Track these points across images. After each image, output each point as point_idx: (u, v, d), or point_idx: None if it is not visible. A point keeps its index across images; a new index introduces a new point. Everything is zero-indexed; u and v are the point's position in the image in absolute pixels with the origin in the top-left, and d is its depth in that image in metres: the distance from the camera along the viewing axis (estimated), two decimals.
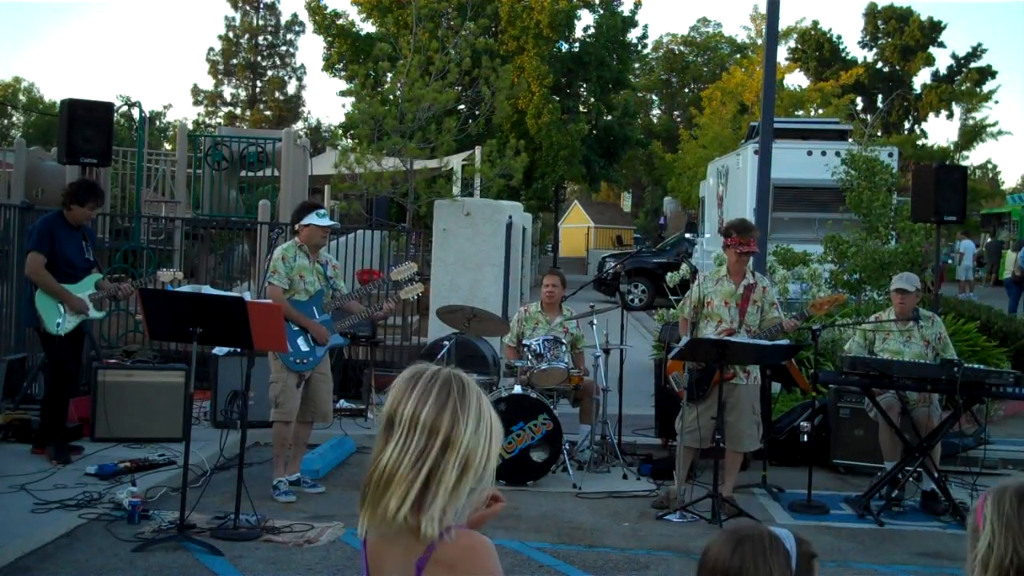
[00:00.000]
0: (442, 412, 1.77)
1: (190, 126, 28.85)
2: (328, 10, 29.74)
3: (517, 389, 7.05)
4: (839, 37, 45.93)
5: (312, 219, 6.56)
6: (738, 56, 45.83)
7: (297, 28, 49.97)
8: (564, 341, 7.50)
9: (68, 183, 7.74)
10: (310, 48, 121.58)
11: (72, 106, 7.95)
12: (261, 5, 49.51)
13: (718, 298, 6.66)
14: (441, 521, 1.74)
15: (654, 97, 55.38)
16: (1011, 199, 34.04)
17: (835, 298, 7.06)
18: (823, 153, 14.81)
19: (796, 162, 14.79)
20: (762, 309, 6.69)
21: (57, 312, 6.68)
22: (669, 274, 11.27)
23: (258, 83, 50.30)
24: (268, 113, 49.12)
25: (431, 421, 1.76)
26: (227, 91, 50.00)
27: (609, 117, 32.57)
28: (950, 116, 41.71)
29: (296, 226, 6.61)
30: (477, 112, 16.19)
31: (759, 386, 6.79)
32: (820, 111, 32.92)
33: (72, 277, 6.77)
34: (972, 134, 39.49)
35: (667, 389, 7.13)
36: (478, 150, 13.77)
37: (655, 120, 53.21)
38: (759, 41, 40.61)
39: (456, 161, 14.23)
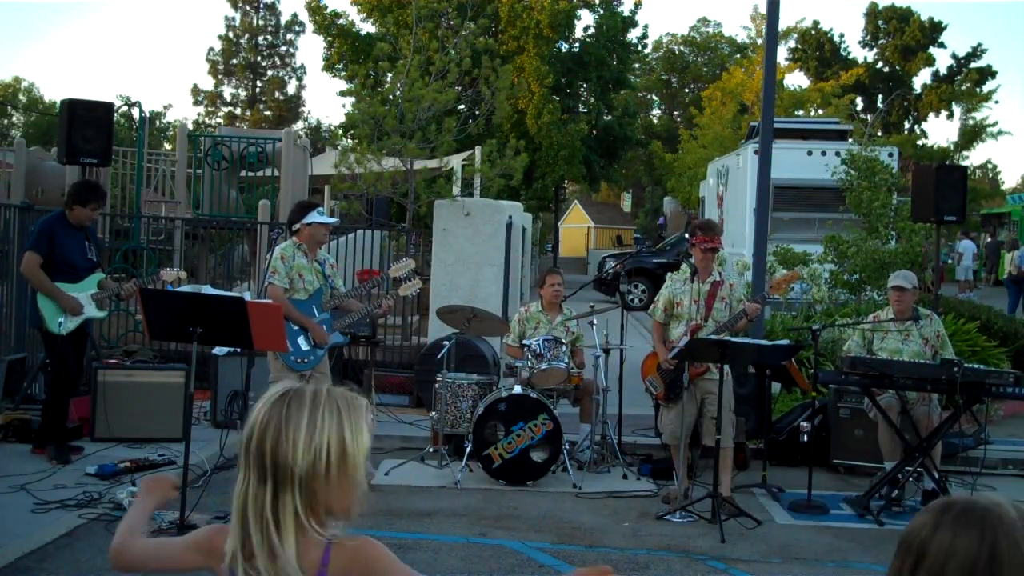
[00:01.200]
0: (264, 435, 1.67)
1: (190, 126, 28.86)
2: (328, 10, 29.75)
3: (517, 389, 7.05)
4: (841, 36, 45.92)
5: (314, 217, 6.59)
6: (738, 56, 45.82)
7: (297, 28, 49.99)
8: (565, 341, 7.50)
9: (70, 184, 7.74)
10: (310, 48, 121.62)
11: (72, 106, 7.95)
12: (261, 5, 49.50)
13: (687, 298, 6.72)
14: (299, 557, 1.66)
15: (654, 97, 55.38)
16: (1011, 199, 34.03)
17: (790, 276, 7.13)
18: (823, 153, 14.83)
19: (796, 162, 14.81)
20: (730, 306, 6.78)
21: (59, 311, 6.68)
22: (669, 274, 11.26)
23: (258, 83, 50.30)
24: (268, 113, 49.11)
25: (257, 448, 1.67)
26: (227, 91, 50.04)
27: (609, 117, 32.56)
28: (950, 116, 41.70)
29: (296, 226, 6.62)
30: (477, 112, 16.18)
31: (731, 381, 6.82)
32: (820, 111, 32.92)
33: (73, 277, 6.77)
34: (972, 134, 39.47)
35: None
36: (478, 150, 13.77)
37: (655, 120, 53.21)
38: (759, 41, 40.61)
39: (456, 161, 14.23)
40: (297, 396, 1.69)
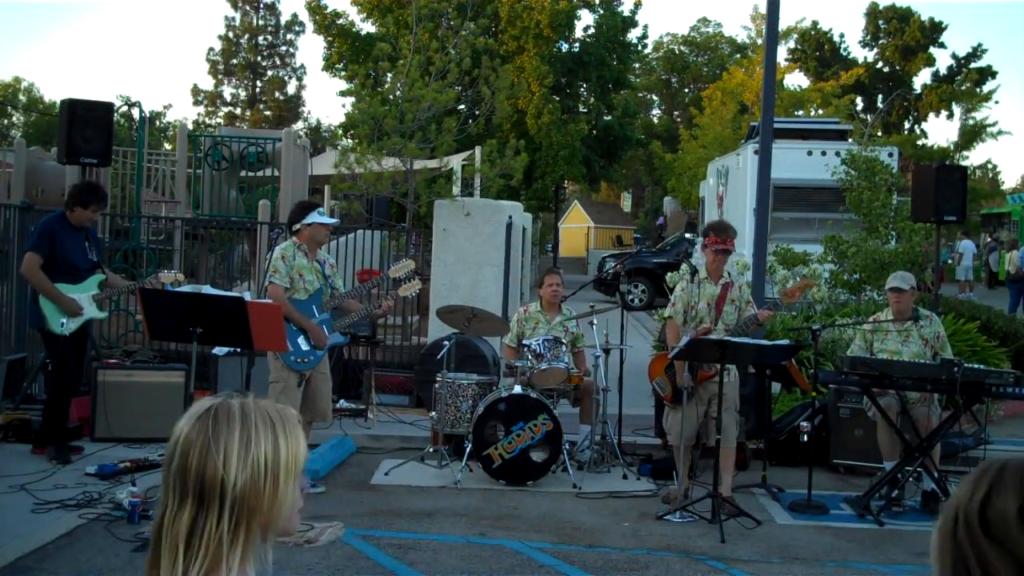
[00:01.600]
0: (188, 452, 1.55)
1: (190, 126, 28.87)
2: (328, 10, 29.76)
3: (517, 389, 7.05)
4: (841, 36, 45.88)
5: (315, 217, 6.60)
6: (738, 56, 45.82)
7: (297, 28, 50.00)
8: (564, 341, 7.50)
9: (72, 184, 7.74)
10: (310, 48, 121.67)
11: (72, 106, 7.95)
12: (261, 5, 49.51)
13: (703, 300, 6.70)
14: None
15: (654, 97, 55.39)
16: (1011, 199, 34.02)
17: (804, 284, 7.12)
18: (823, 153, 14.82)
19: (796, 162, 14.80)
20: (739, 308, 6.76)
21: (61, 312, 6.69)
22: (669, 274, 11.27)
23: (258, 83, 50.30)
24: (268, 113, 49.11)
25: (179, 466, 1.55)
26: (227, 91, 50.04)
27: (609, 117, 32.56)
28: (950, 116, 41.67)
29: (296, 226, 6.63)
30: (477, 112, 16.19)
31: (739, 383, 6.82)
32: (820, 111, 32.91)
33: (74, 278, 6.77)
34: (972, 134, 39.46)
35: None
36: (478, 150, 13.77)
37: (655, 120, 53.21)
38: (759, 41, 40.60)
39: (456, 161, 14.23)
40: (225, 410, 1.59)
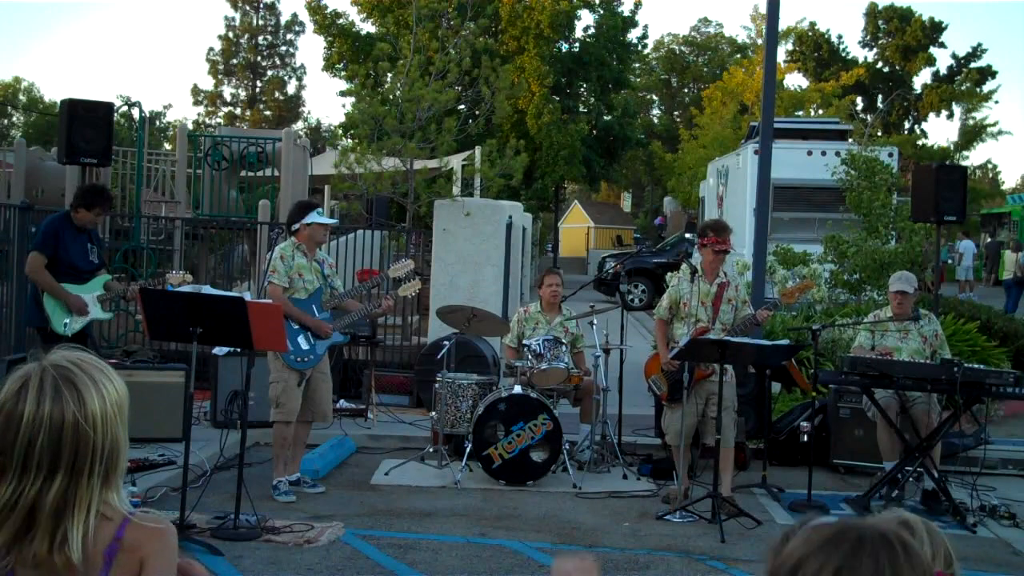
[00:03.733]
0: (63, 429, 1.63)
1: (190, 126, 28.86)
2: (328, 10, 29.76)
3: (517, 389, 7.05)
4: (839, 37, 45.92)
5: (314, 217, 6.61)
6: (738, 56, 45.81)
7: (297, 28, 50.01)
8: (564, 341, 7.50)
9: (79, 186, 7.73)
10: (310, 48, 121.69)
11: (72, 106, 7.95)
12: (261, 5, 49.50)
13: (694, 298, 6.70)
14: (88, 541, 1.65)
15: (654, 97, 55.38)
16: (1011, 199, 34.02)
17: (804, 285, 7.13)
18: (823, 153, 14.83)
19: (796, 162, 14.82)
20: (736, 307, 6.77)
21: (65, 312, 6.69)
22: (669, 274, 11.26)
23: (258, 83, 50.31)
24: (268, 113, 49.12)
25: (49, 446, 1.62)
26: (227, 91, 50.05)
27: (609, 117, 32.56)
28: (950, 116, 41.66)
29: (295, 226, 6.63)
30: (477, 112, 16.19)
31: (735, 383, 6.83)
32: (820, 111, 32.91)
33: (76, 278, 6.77)
34: (972, 134, 39.47)
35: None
36: (478, 150, 13.77)
37: (655, 120, 53.20)
38: (759, 41, 40.59)
39: (456, 161, 14.23)
40: (43, 378, 1.68)
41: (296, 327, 6.45)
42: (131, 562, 1.69)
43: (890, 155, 14.32)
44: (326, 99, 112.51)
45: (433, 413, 7.62)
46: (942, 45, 42.50)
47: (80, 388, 1.66)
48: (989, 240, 30.02)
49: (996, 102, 75.73)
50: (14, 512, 1.62)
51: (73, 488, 1.64)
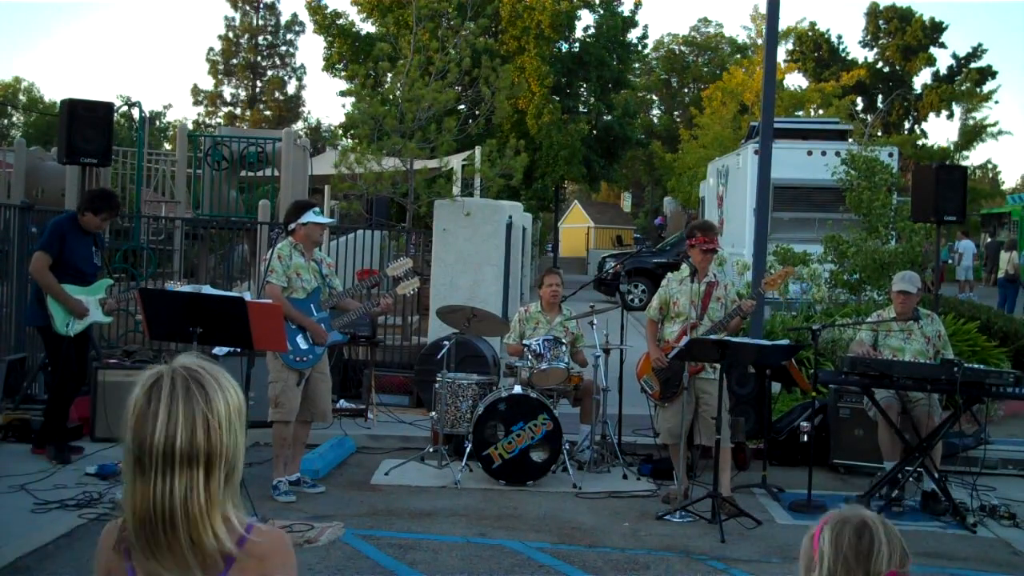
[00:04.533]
0: (195, 427, 1.70)
1: (190, 126, 28.85)
2: (328, 10, 29.76)
3: (517, 389, 7.05)
4: (839, 37, 45.91)
5: (310, 217, 6.61)
6: (738, 56, 45.81)
7: (297, 28, 50.03)
8: (564, 341, 7.50)
9: (88, 190, 7.74)
10: (310, 48, 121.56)
11: (72, 106, 7.95)
12: (261, 5, 49.50)
13: (684, 297, 6.75)
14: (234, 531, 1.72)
15: (654, 97, 55.38)
16: (1011, 199, 34.01)
17: (785, 272, 7.13)
18: (823, 153, 14.83)
19: (796, 162, 14.81)
20: (725, 306, 6.80)
21: (68, 313, 6.70)
22: (669, 274, 11.26)
23: (258, 83, 50.30)
24: (268, 113, 49.12)
25: (186, 450, 1.69)
26: (227, 91, 50.05)
27: (609, 117, 32.56)
28: (950, 116, 41.66)
29: (292, 226, 6.63)
30: (477, 112, 16.19)
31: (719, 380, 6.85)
32: (820, 111, 32.90)
33: (79, 280, 6.78)
34: (972, 134, 39.45)
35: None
36: (478, 150, 13.78)
37: (655, 120, 53.20)
38: (759, 41, 40.59)
39: (456, 161, 14.23)
40: (174, 379, 1.73)
41: (294, 327, 6.45)
42: (252, 571, 1.74)
43: (890, 155, 14.32)
44: (326, 99, 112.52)
45: (433, 413, 7.62)
46: (942, 45, 42.53)
47: (208, 389, 1.72)
48: (989, 240, 30.01)
49: (996, 102, 75.82)
50: (155, 511, 1.69)
51: (208, 486, 1.70)
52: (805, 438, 7.01)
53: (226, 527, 1.71)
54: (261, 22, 49.84)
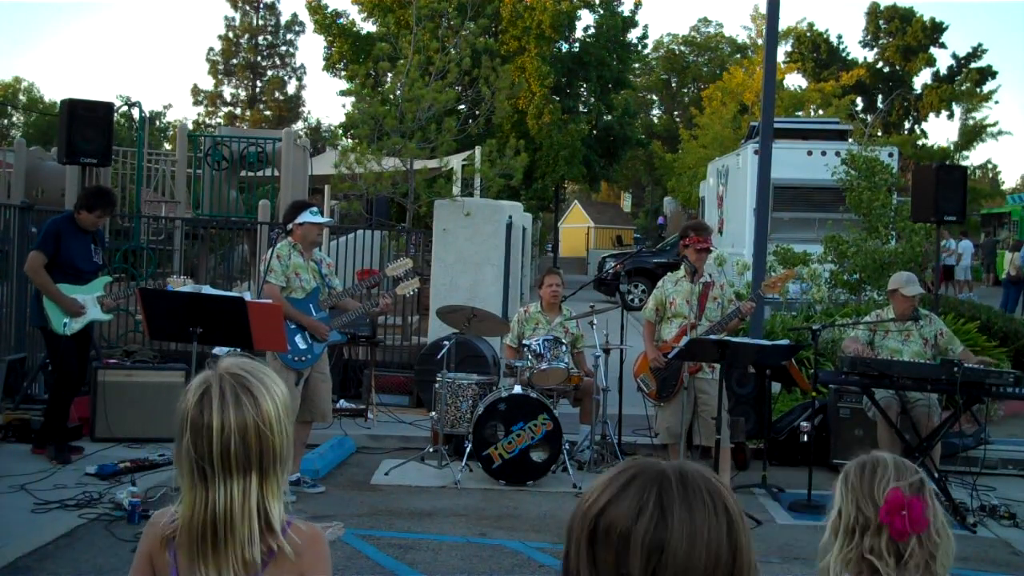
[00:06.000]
0: (247, 433, 1.75)
1: (190, 126, 28.87)
2: (328, 10, 29.75)
3: (517, 389, 7.05)
4: (839, 37, 45.92)
5: (307, 217, 6.61)
6: (738, 56, 45.80)
7: (297, 28, 50.01)
8: (564, 341, 7.51)
9: (84, 187, 7.74)
10: (310, 48, 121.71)
11: (72, 106, 7.95)
12: (261, 5, 49.50)
13: (680, 297, 6.78)
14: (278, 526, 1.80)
15: (654, 97, 55.39)
16: (1011, 199, 34.01)
17: (786, 275, 7.14)
18: (823, 153, 14.83)
19: (796, 162, 14.81)
20: (722, 305, 6.83)
21: (64, 312, 6.70)
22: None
23: (258, 83, 50.29)
24: (268, 113, 49.11)
25: (243, 456, 1.75)
26: (227, 91, 50.03)
27: (609, 117, 32.56)
28: (950, 116, 41.64)
29: (290, 225, 6.64)
30: (477, 112, 16.19)
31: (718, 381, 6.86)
32: (820, 111, 32.90)
33: (77, 279, 6.78)
34: (972, 134, 39.43)
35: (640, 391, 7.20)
36: (478, 150, 13.78)
37: (655, 120, 53.20)
38: (759, 41, 40.58)
39: (456, 161, 14.24)
40: (222, 386, 1.78)
41: (293, 326, 6.45)
42: (290, 568, 1.81)
43: (890, 155, 14.32)
44: (326, 99, 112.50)
45: (433, 413, 7.62)
46: (942, 45, 42.52)
47: (255, 393, 1.78)
48: (984, 239, 30.01)
49: (996, 102, 75.78)
50: (216, 517, 1.75)
51: (263, 487, 1.77)
52: (805, 438, 7.02)
53: (272, 525, 1.78)
54: (261, 22, 49.84)
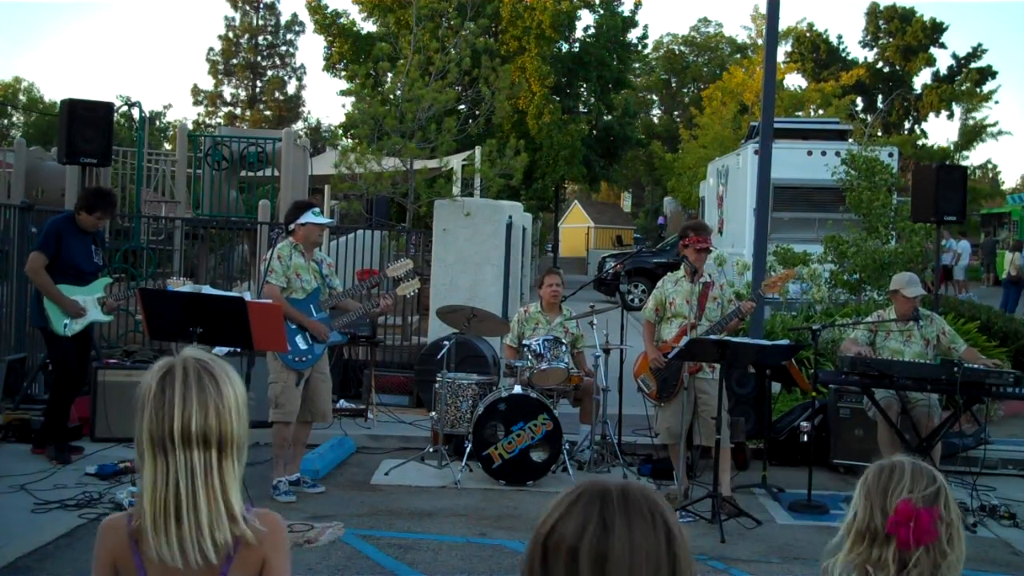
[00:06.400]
0: (208, 411, 1.80)
1: (190, 126, 28.88)
2: (328, 10, 29.76)
3: (517, 389, 7.05)
4: (839, 37, 45.93)
5: (309, 217, 6.60)
6: (738, 56, 45.81)
7: (297, 28, 50.02)
8: (564, 341, 7.51)
9: (84, 188, 7.74)
10: (310, 48, 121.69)
11: (72, 106, 7.95)
12: (261, 5, 49.50)
13: (679, 298, 6.78)
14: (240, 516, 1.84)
15: (654, 97, 55.39)
16: (1011, 199, 34.01)
17: (786, 275, 7.13)
18: (823, 153, 14.83)
19: (796, 162, 14.81)
20: (722, 306, 6.83)
21: (64, 313, 6.70)
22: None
23: (258, 83, 50.29)
24: (268, 113, 49.12)
25: (202, 431, 1.79)
26: (227, 91, 50.05)
27: (609, 117, 32.57)
28: (950, 116, 41.66)
29: (291, 226, 6.64)
30: (477, 112, 16.20)
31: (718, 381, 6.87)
32: (820, 111, 32.90)
33: (77, 280, 6.78)
34: (972, 134, 39.44)
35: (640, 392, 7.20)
36: (478, 150, 13.79)
37: (655, 120, 53.20)
38: (759, 41, 40.57)
39: (456, 161, 14.24)
40: (185, 368, 1.82)
41: (294, 327, 6.45)
42: (253, 558, 1.85)
43: (890, 155, 14.32)
44: (326, 99, 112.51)
45: (433, 413, 7.62)
46: (942, 45, 42.53)
47: (218, 379, 1.84)
48: (984, 239, 30.00)
49: (996, 102, 75.82)
50: (177, 487, 1.78)
51: (221, 467, 1.81)
52: (805, 438, 7.02)
53: (233, 511, 1.82)
54: (261, 22, 49.85)
